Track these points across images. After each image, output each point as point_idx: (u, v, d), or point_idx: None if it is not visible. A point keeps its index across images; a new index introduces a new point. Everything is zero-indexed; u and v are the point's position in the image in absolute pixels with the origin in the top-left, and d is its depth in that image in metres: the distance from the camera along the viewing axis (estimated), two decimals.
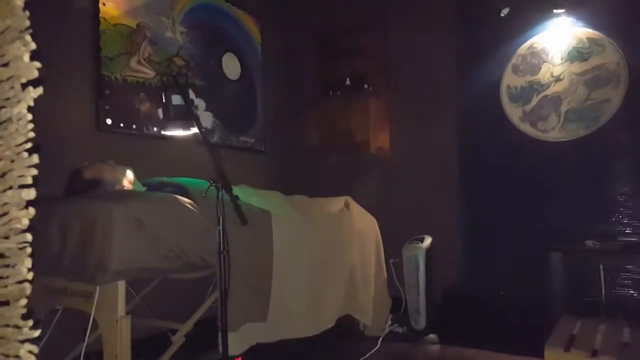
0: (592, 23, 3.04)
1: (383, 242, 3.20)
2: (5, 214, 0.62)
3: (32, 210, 0.62)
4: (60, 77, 2.46)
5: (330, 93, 3.94)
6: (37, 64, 0.59)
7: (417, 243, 3.11)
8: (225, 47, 3.60)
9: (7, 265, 0.64)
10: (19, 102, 0.59)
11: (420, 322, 3.03)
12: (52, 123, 2.36)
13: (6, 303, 0.66)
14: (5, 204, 0.61)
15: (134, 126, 2.82)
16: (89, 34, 2.64)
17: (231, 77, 3.63)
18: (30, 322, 0.67)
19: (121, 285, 1.75)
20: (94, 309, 1.73)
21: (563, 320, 1.92)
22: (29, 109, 0.60)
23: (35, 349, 0.68)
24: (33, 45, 0.58)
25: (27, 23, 0.58)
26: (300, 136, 4.18)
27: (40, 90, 0.60)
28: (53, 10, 2.40)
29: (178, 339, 1.97)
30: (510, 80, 3.32)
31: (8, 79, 0.60)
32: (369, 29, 3.88)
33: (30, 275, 0.64)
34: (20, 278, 0.63)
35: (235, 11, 3.71)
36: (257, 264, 2.16)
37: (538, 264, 2.70)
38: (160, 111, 2.84)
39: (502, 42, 3.33)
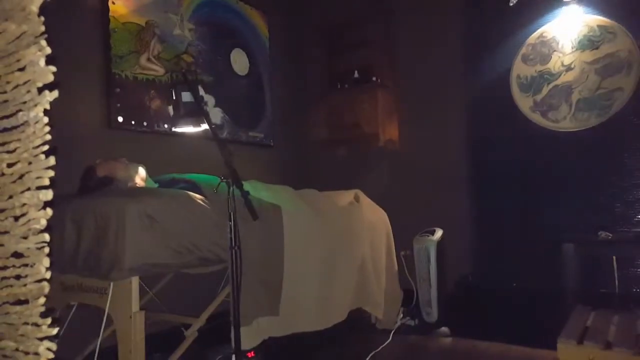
0: (603, 10, 2.99)
1: (393, 234, 3.20)
2: (23, 214, 0.63)
3: (49, 211, 0.64)
4: (71, 76, 2.48)
5: (338, 86, 3.94)
6: (53, 68, 0.61)
7: (428, 236, 3.11)
8: (233, 42, 3.61)
9: (26, 265, 0.66)
10: (35, 105, 0.60)
11: (432, 314, 3.03)
12: (64, 122, 2.39)
13: (25, 301, 0.68)
14: (24, 205, 0.63)
15: (145, 123, 2.84)
16: (98, 33, 2.66)
17: (240, 73, 3.64)
18: (49, 320, 0.68)
19: (135, 281, 1.78)
20: (108, 304, 1.76)
21: (576, 312, 1.91)
22: (45, 112, 0.61)
23: (53, 346, 0.70)
24: (48, 50, 0.59)
25: (42, 28, 0.59)
26: (309, 130, 4.19)
27: (55, 93, 0.61)
28: (63, 10, 2.43)
29: (191, 334, 1.99)
30: (520, 70, 3.28)
31: (24, 83, 0.61)
32: (375, 20, 3.86)
33: (48, 275, 0.66)
34: (38, 277, 0.65)
35: (242, 6, 3.71)
36: (269, 259, 2.18)
37: (551, 255, 2.69)
38: (170, 108, 2.85)
39: (512, 32, 3.30)
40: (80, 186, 2.13)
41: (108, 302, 1.75)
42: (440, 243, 3.08)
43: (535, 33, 3.23)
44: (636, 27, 2.89)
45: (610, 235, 2.57)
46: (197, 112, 1.93)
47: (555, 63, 3.15)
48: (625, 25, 2.92)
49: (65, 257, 1.83)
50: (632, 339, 1.53)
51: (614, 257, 2.74)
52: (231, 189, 1.69)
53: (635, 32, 2.89)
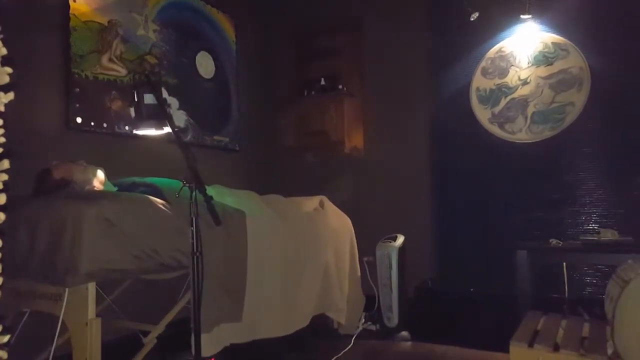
0: (557, 28, 3.16)
1: (357, 240, 3.24)
2: None
3: (2, 215, 0.62)
4: (28, 74, 2.40)
5: (305, 93, 3.97)
6: (9, 70, 0.59)
7: (390, 242, 3.16)
8: (199, 45, 3.57)
9: None
10: None
11: (393, 319, 3.08)
12: (19, 121, 2.30)
13: None
14: None
15: (105, 125, 2.77)
16: (58, 31, 2.58)
17: (205, 76, 3.61)
18: (0, 328, 0.66)
19: (91, 287, 1.73)
20: (63, 311, 1.70)
21: (528, 316, 1.99)
22: (0, 114, 0.60)
23: (4, 354, 0.68)
24: (4, 51, 0.58)
25: None
26: (275, 136, 4.19)
27: (11, 95, 0.59)
28: (21, 6, 2.34)
29: (150, 341, 1.95)
30: (479, 82, 3.41)
31: None
32: (344, 30, 3.93)
33: (0, 280, 0.64)
34: None
35: (209, 9, 3.69)
36: (232, 265, 2.16)
37: (506, 261, 2.79)
38: (132, 110, 2.79)
39: (473, 46, 3.42)
40: (35, 189, 2.05)
41: (63, 308, 1.69)
42: (401, 249, 3.14)
43: (494, 48, 3.36)
44: (587, 45, 3.06)
45: (561, 242, 2.70)
46: (159, 115, 1.89)
47: (512, 77, 3.29)
48: (577, 44, 3.09)
49: (18, 262, 1.76)
50: (578, 342, 1.62)
51: (564, 264, 2.87)
52: (194, 193, 1.67)
53: (585, 51, 3.06)
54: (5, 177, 0.61)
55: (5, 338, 0.66)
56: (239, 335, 2.19)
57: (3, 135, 0.61)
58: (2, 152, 0.60)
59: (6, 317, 1.90)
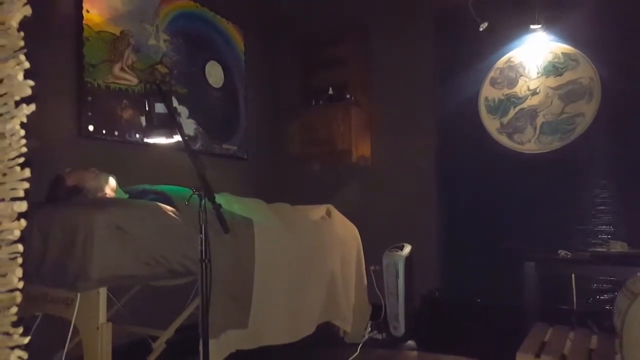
0: (567, 38, 3.16)
1: (364, 249, 3.24)
2: None
3: (23, 222, 0.65)
4: (42, 83, 2.44)
5: (313, 102, 4.00)
6: (31, 82, 0.62)
7: (397, 251, 3.17)
8: (209, 55, 3.62)
9: None
10: (12, 118, 0.61)
11: (399, 328, 3.08)
12: (34, 129, 2.35)
13: None
14: None
15: (117, 133, 2.82)
16: (71, 41, 2.63)
17: (214, 85, 3.65)
18: (21, 329, 0.69)
19: (102, 292, 1.75)
20: (74, 315, 1.72)
21: (535, 328, 1.98)
22: (22, 125, 0.63)
23: (24, 355, 0.70)
24: (27, 65, 0.61)
25: (22, 43, 0.60)
26: (282, 144, 4.22)
27: (33, 107, 0.62)
28: (35, 16, 2.40)
29: (159, 346, 1.96)
30: (488, 92, 3.41)
31: (2, 95, 0.62)
32: (351, 40, 3.96)
33: (20, 285, 0.66)
34: (11, 287, 0.66)
35: (219, 20, 3.74)
36: (239, 272, 2.18)
37: (514, 272, 2.78)
38: (143, 119, 2.85)
39: (481, 56, 3.44)
40: (48, 195, 2.09)
41: (75, 313, 1.72)
42: (408, 258, 3.14)
43: (503, 58, 3.37)
44: (597, 56, 3.05)
45: (569, 254, 2.68)
46: (170, 124, 1.93)
47: (521, 87, 3.30)
48: (587, 54, 3.08)
49: (31, 267, 1.79)
50: (586, 354, 1.61)
51: (573, 275, 2.85)
52: (203, 201, 1.70)
53: (596, 61, 3.05)
54: (26, 185, 0.64)
55: (26, 339, 0.69)
56: (246, 341, 2.20)
57: (25, 145, 0.63)
58: (24, 162, 0.63)
59: (25, 319, 1.93)
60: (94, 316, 1.72)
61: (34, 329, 1.97)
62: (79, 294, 1.72)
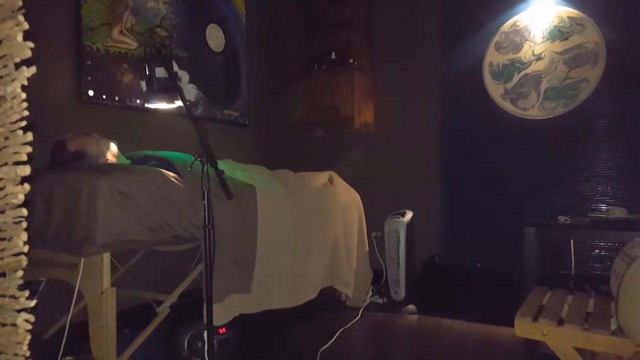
0: (573, 2, 3.08)
1: (366, 216, 3.27)
2: (1, 189, 0.64)
3: (27, 186, 0.65)
4: (40, 47, 2.40)
5: (315, 67, 3.93)
6: (30, 44, 0.61)
7: (399, 217, 3.19)
8: (209, 17, 3.54)
9: (4, 239, 0.67)
10: (12, 80, 0.60)
11: (400, 293, 3.13)
12: (32, 94, 2.32)
13: (2, 274, 0.69)
14: (1, 179, 0.63)
15: (117, 98, 2.79)
16: (69, 3, 2.57)
17: (215, 49, 3.59)
18: (27, 293, 0.70)
19: (106, 257, 1.78)
20: (79, 280, 1.75)
21: (534, 291, 2.01)
22: (23, 88, 0.62)
23: (31, 317, 0.71)
24: (26, 26, 0.59)
25: (20, 3, 0.59)
26: (285, 110, 4.18)
27: (33, 69, 0.61)
28: None
29: (163, 310, 2.01)
30: (492, 57, 3.35)
31: (1, 57, 0.61)
32: (354, 2, 3.85)
33: (26, 248, 0.67)
34: (16, 250, 0.66)
35: None
36: (242, 237, 2.20)
37: (514, 237, 2.80)
38: (143, 83, 2.81)
39: (486, 19, 3.36)
40: (50, 160, 2.09)
41: (79, 277, 1.75)
42: (409, 225, 3.17)
43: (508, 22, 3.30)
44: (603, 20, 2.98)
45: (569, 219, 2.70)
46: (171, 88, 1.90)
47: (526, 52, 3.23)
48: (594, 18, 3.01)
49: (35, 232, 1.81)
50: (583, 317, 1.64)
51: (572, 241, 2.88)
52: (205, 167, 1.69)
53: (602, 25, 2.98)
54: (29, 149, 0.63)
55: (32, 302, 0.70)
56: (249, 305, 2.25)
57: (27, 108, 0.62)
58: (26, 125, 0.62)
59: (35, 282, 1.96)
60: (98, 281, 1.75)
61: (38, 294, 2.01)
62: (82, 259, 1.74)
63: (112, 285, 1.80)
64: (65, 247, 1.78)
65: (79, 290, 1.77)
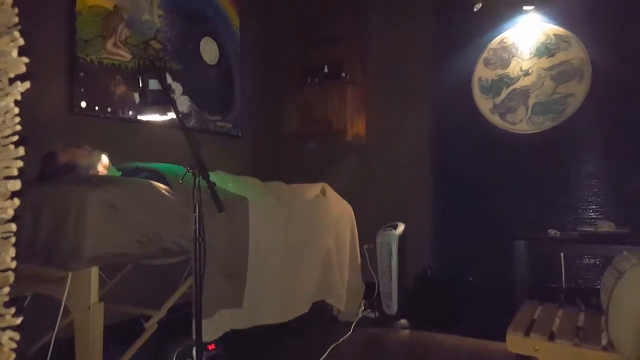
0: (559, 20, 3.15)
1: (358, 228, 3.26)
2: None
3: (17, 201, 0.64)
4: (34, 58, 2.39)
5: (309, 80, 3.96)
6: (25, 60, 0.61)
7: (391, 230, 3.19)
8: (204, 31, 3.56)
9: None
10: (6, 95, 0.60)
11: (392, 307, 3.12)
12: (25, 105, 2.31)
13: None
14: None
15: (109, 110, 2.78)
16: (63, 16, 2.57)
17: (209, 62, 3.60)
18: (13, 310, 0.69)
19: (94, 271, 1.74)
20: (65, 295, 1.71)
21: (525, 306, 2.01)
22: (16, 102, 0.61)
23: (16, 335, 0.70)
24: (21, 42, 0.59)
25: (16, 20, 0.59)
26: (278, 122, 4.20)
27: (27, 84, 0.61)
28: None
29: (151, 326, 1.96)
30: (481, 73, 3.40)
31: None
32: (347, 17, 3.90)
33: (14, 264, 0.66)
34: (4, 267, 0.65)
35: None
36: (233, 251, 2.19)
37: (505, 251, 2.82)
38: (136, 95, 2.81)
39: (475, 36, 3.42)
40: (40, 172, 2.07)
41: (66, 292, 1.71)
42: (402, 237, 3.17)
43: (496, 38, 3.36)
44: (588, 37, 3.05)
45: (559, 233, 2.72)
46: (164, 100, 1.90)
47: (514, 68, 3.29)
48: (579, 36, 3.08)
49: (22, 246, 1.77)
50: (574, 331, 1.65)
51: (562, 254, 2.90)
52: (197, 179, 1.68)
53: (587, 42, 3.05)
54: (20, 163, 0.63)
55: (18, 320, 0.69)
56: (239, 321, 2.22)
57: (19, 123, 0.62)
58: (18, 140, 0.62)
59: (23, 299, 1.92)
60: (85, 295, 1.71)
61: (23, 310, 1.97)
62: (70, 273, 1.71)
63: (100, 299, 1.76)
64: (53, 261, 1.74)
65: (65, 305, 1.73)
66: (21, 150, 0.63)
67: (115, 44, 2.81)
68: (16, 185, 0.63)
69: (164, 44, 3.18)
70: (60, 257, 1.70)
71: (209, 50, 3.59)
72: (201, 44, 3.52)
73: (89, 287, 1.72)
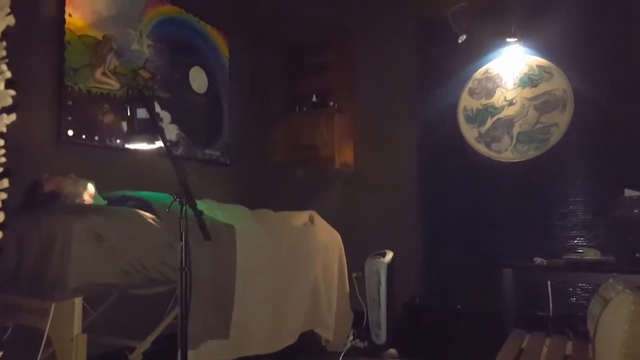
0: (541, 51, 3.25)
1: (346, 256, 3.25)
2: None
3: (0, 234, 0.63)
4: (22, 87, 2.40)
5: (297, 109, 4.01)
6: (12, 92, 0.61)
7: (379, 258, 3.18)
8: (193, 60, 3.61)
9: None
10: None
11: (381, 336, 3.09)
12: (10, 135, 2.30)
13: None
14: None
15: (97, 138, 2.78)
16: (53, 45, 2.60)
17: (198, 91, 3.64)
18: None
19: (78, 302, 1.71)
20: (48, 326, 1.68)
21: (513, 334, 2.01)
22: (1, 135, 0.62)
23: None
24: (8, 74, 0.60)
25: (4, 53, 0.60)
26: (266, 150, 4.22)
27: (13, 117, 0.62)
28: (17, 19, 2.36)
29: (136, 357, 1.93)
30: (466, 102, 3.48)
31: None
32: (335, 48, 3.99)
33: None
34: None
35: (204, 26, 3.73)
36: (220, 280, 2.16)
37: (492, 279, 2.82)
38: (124, 124, 2.81)
39: (460, 67, 3.50)
40: (25, 201, 2.04)
41: (49, 323, 1.68)
42: (390, 265, 3.16)
43: (481, 69, 3.44)
44: (570, 69, 3.15)
45: (545, 261, 2.74)
46: (152, 129, 1.91)
47: (498, 98, 3.37)
48: (561, 67, 3.18)
49: (5, 276, 1.74)
50: None
51: (549, 282, 2.91)
52: (184, 208, 1.68)
53: (569, 74, 3.15)
54: (4, 195, 0.63)
55: None
56: (226, 352, 2.18)
57: (4, 155, 0.62)
58: (3, 172, 0.62)
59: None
60: (68, 327, 1.68)
61: (4, 340, 1.92)
62: (53, 304, 1.68)
63: (83, 331, 1.73)
64: (37, 291, 1.71)
65: (48, 336, 1.69)
66: (5, 182, 0.63)
67: (104, 73, 2.84)
68: (0, 217, 0.63)
69: (153, 73, 3.21)
70: (44, 287, 1.67)
71: (197, 79, 3.63)
72: (190, 73, 3.56)
73: (73, 318, 1.69)
